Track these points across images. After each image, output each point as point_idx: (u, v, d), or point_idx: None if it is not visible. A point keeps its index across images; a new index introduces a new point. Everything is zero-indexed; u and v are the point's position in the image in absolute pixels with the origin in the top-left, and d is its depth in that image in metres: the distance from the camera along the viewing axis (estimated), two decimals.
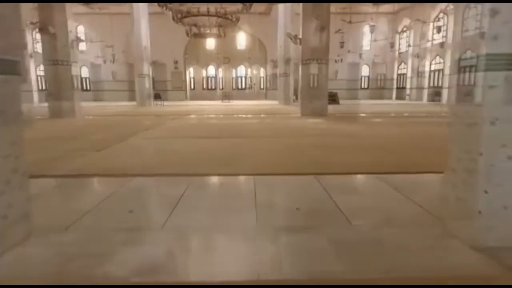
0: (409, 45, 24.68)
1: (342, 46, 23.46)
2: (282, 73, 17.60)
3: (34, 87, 23.52)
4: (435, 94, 22.07)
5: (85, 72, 26.84)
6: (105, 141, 5.67)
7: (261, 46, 26.90)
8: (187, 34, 17.56)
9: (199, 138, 6.38)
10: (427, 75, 23.54)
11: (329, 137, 6.37)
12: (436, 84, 22.44)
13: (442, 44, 20.94)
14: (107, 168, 3.77)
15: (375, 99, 25.67)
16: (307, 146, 5.19)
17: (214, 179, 3.38)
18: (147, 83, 18.80)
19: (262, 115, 12.16)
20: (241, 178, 3.42)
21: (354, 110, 14.15)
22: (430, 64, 23.17)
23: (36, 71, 23.94)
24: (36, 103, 22.06)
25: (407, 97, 25.57)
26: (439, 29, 20.21)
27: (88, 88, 27.04)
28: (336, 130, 7.51)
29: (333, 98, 18.39)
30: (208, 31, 17.36)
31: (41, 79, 24.38)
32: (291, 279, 1.56)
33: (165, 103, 19.98)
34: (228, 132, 7.49)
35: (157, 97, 18.41)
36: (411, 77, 25.24)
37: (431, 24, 22.75)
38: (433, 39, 22.44)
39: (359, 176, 3.49)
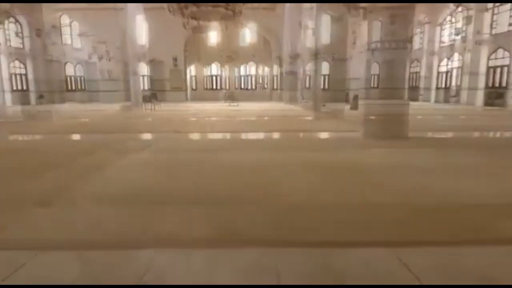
0: (429, 41, 23.03)
1: (354, 42, 21.81)
2: (288, 71, 16.06)
3: (6, 87, 20.23)
4: (455, 94, 20.44)
5: (79, 71, 25.33)
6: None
7: (266, 44, 25.30)
8: (184, 27, 15.99)
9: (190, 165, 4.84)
10: (444, 74, 21.94)
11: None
12: (454, 84, 20.81)
13: (463, 39, 19.31)
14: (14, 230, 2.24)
15: (386, 100, 23.96)
16: (361, 183, 3.64)
17: (197, 258, 1.84)
18: (144, 83, 17.30)
19: (275, 121, 10.58)
20: (254, 253, 1.88)
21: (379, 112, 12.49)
22: (447, 63, 21.55)
23: (8, 68, 21.06)
24: (8, 105, 19.23)
25: (420, 97, 23.96)
26: (469, 20, 18.47)
27: (83, 88, 25.49)
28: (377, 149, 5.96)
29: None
30: (208, 24, 15.76)
31: (15, 77, 21.71)
32: None
33: (163, 104, 18.46)
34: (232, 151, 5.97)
35: (153, 98, 16.85)
36: (425, 76, 23.59)
37: (448, 19, 21.15)
38: (451, 35, 20.81)
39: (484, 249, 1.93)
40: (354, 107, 14.90)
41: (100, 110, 15.89)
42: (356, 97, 16.32)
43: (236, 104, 20.88)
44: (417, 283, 1.59)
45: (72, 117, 12.12)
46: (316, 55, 15.57)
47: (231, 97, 22.09)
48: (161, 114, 13.35)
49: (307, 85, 24.47)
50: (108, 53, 22.68)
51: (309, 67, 14.99)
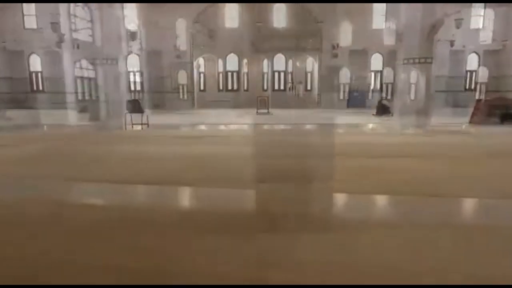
0: None
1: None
2: (413, 57, 7.97)
3: None
4: None
5: (36, 64, 17.42)
6: None
7: (312, 24, 17.23)
8: None
9: None
10: None
11: None
12: None
13: None
14: None
15: None
16: None
17: None
18: (135, 82, 9.32)
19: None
20: None
21: None
22: None
23: None
24: None
25: None
26: None
27: (41, 89, 17.52)
28: None
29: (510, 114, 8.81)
30: None
31: None
32: None
33: (161, 116, 10.59)
34: None
35: (134, 108, 8.83)
36: None
37: None
38: None
39: None
40: (479, 120, 8.80)
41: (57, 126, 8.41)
42: (484, 104, 9.30)
43: (266, 111, 13.97)
44: None
45: None
46: (433, 32, 8.31)
47: (264, 104, 14.33)
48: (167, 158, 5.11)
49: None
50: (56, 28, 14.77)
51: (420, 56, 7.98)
